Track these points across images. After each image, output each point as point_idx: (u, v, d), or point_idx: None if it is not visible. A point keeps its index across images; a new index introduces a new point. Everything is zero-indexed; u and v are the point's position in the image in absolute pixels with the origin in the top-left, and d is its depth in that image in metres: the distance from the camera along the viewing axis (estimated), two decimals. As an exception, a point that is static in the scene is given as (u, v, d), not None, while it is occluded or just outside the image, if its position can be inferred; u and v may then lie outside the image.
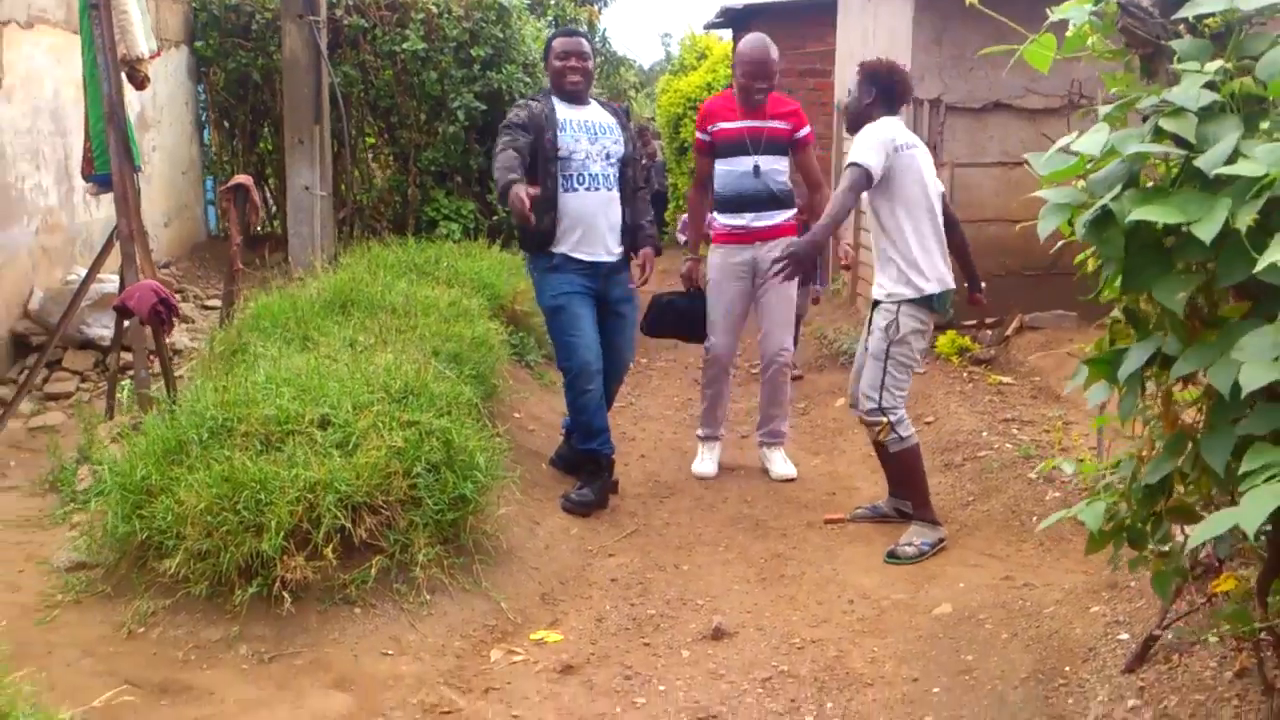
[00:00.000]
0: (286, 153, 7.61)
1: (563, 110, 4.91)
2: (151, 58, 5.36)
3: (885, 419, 4.43)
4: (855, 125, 4.62)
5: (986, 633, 3.55)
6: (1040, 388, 6.36)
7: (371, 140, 9.04)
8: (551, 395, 6.52)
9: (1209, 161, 1.79)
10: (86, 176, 5.36)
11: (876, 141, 4.40)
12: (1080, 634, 3.30)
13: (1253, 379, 1.65)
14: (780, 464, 5.50)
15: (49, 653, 3.36)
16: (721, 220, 5.43)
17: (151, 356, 5.13)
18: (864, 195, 4.47)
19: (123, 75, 5.12)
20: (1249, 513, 1.58)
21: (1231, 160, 1.79)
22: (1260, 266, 1.65)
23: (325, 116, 7.53)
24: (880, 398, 4.43)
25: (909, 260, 4.43)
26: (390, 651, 3.52)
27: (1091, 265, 2.44)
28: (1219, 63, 1.92)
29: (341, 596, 3.65)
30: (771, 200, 5.34)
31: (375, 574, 3.69)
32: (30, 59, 6.19)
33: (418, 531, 3.82)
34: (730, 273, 5.36)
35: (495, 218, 8.57)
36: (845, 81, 7.93)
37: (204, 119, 8.94)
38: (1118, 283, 2.14)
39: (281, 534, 3.53)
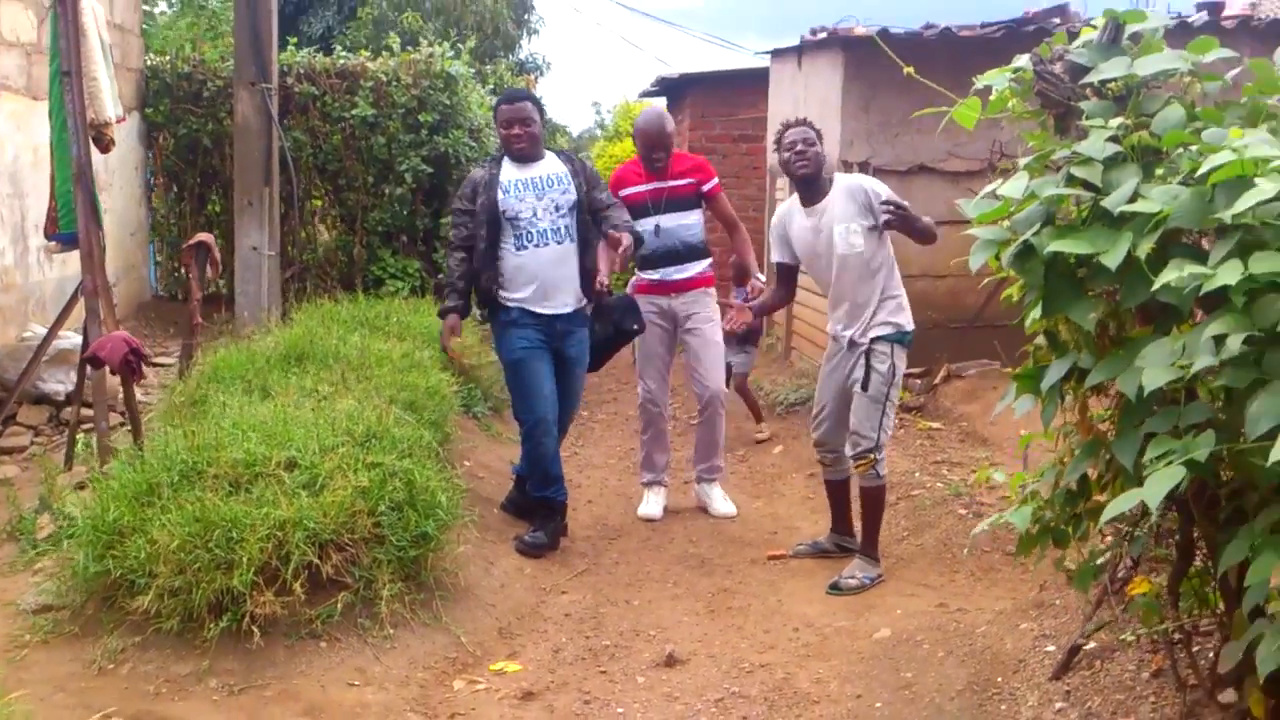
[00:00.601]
0: (236, 214, 7.77)
1: (510, 171, 5.09)
2: (118, 121, 5.53)
3: (872, 456, 4.67)
4: (822, 179, 4.81)
5: (924, 652, 3.79)
6: (968, 432, 6.68)
7: (319, 202, 9.23)
8: (498, 445, 6.72)
9: (1113, 201, 2.08)
10: (49, 236, 5.48)
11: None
12: (1010, 648, 3.55)
13: (1153, 380, 1.93)
14: (720, 501, 5.76)
15: (21, 689, 3.45)
16: (640, 274, 5.76)
17: (117, 408, 5.24)
18: (806, 258, 4.82)
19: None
20: (1151, 490, 1.84)
21: (1132, 200, 2.09)
22: (1156, 286, 1.93)
23: (275, 179, 7.73)
24: (878, 437, 4.67)
25: (901, 294, 4.77)
26: (356, 682, 3.66)
27: (1016, 295, 2.72)
28: (1120, 119, 2.22)
29: (308, 631, 3.79)
30: (681, 254, 5.66)
31: (341, 609, 3.84)
32: (-10, 123, 6.33)
33: (381, 568, 3.98)
34: (651, 319, 5.64)
35: (440, 275, 8.78)
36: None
37: (151, 183, 9.08)
38: (1038, 311, 2.43)
39: (252, 570, 3.67)
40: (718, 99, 12.57)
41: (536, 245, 5.03)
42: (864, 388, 4.68)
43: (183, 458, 4.12)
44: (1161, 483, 1.84)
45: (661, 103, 15.79)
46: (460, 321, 5.27)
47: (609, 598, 4.65)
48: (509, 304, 5.09)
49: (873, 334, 4.70)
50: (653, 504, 5.79)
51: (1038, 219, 2.31)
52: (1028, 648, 3.49)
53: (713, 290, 5.82)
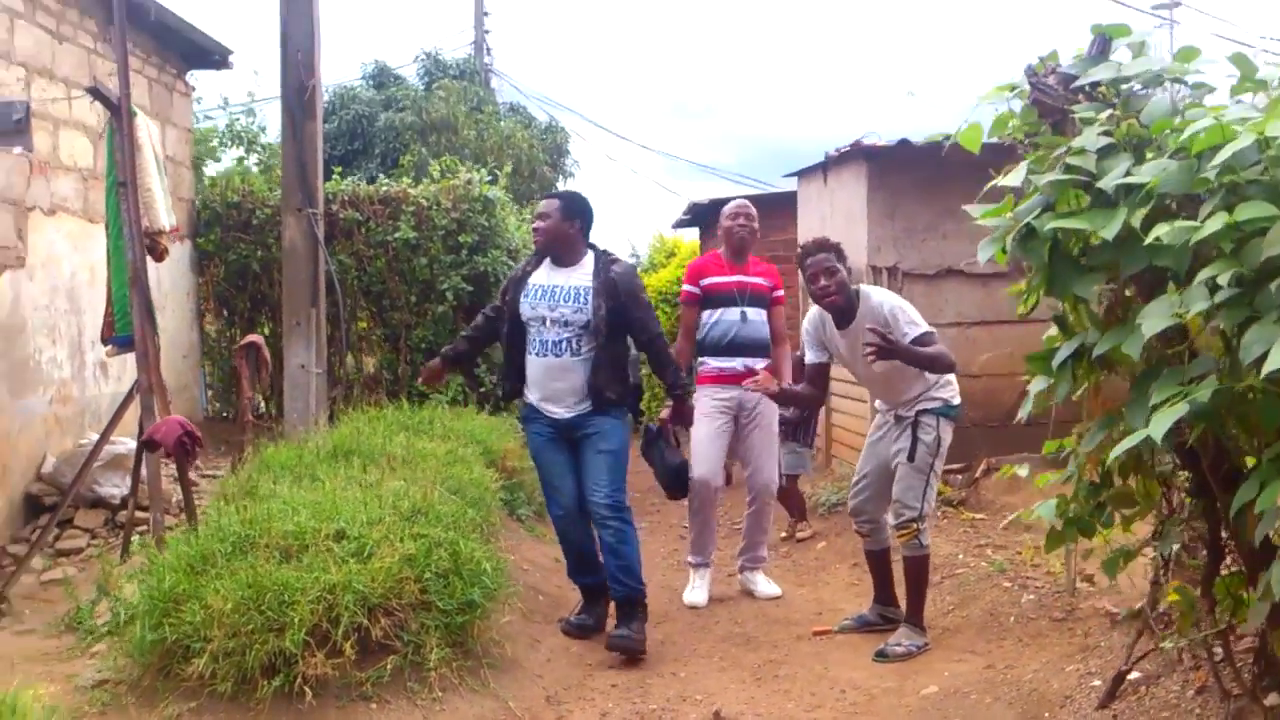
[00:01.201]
0: (285, 334, 8.01)
1: (540, 275, 5.05)
2: (171, 231, 5.83)
3: (915, 525, 4.70)
4: (851, 302, 4.81)
5: (971, 701, 3.78)
6: (1011, 521, 6.65)
7: (364, 324, 9.51)
8: (542, 544, 6.76)
9: (1107, 182, 2.22)
10: (106, 340, 5.73)
11: (907, 304, 4.81)
12: (1057, 688, 3.54)
13: (1152, 326, 2.03)
14: (764, 584, 5.79)
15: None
16: (712, 363, 5.83)
17: (171, 509, 5.38)
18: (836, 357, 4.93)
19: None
20: (1156, 426, 1.93)
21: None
22: (1148, 241, 2.05)
23: (321, 300, 7.99)
24: (922, 507, 4.71)
25: (948, 376, 4.82)
26: (408, 740, 3.69)
27: (1024, 303, 2.83)
28: (1110, 111, 2.38)
29: (359, 693, 3.83)
30: (759, 346, 5.82)
31: (390, 672, 3.89)
32: (51, 243, 6.65)
33: (429, 633, 4.04)
34: (716, 408, 5.72)
35: (482, 389, 8.97)
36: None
37: (202, 308, 9.41)
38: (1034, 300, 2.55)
39: (303, 631, 3.75)
40: (748, 224, 12.84)
41: (537, 354, 5.00)
42: (910, 458, 4.74)
43: (235, 530, 4.25)
44: (1164, 419, 1.93)
45: (694, 232, 16.22)
46: (442, 367, 5.38)
47: (656, 670, 4.65)
48: (528, 400, 5.13)
49: (919, 408, 4.79)
50: (698, 590, 5.79)
51: (1039, 206, 2.45)
52: (1074, 685, 3.48)
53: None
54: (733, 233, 5.94)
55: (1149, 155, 2.28)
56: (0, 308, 6.06)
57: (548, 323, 4.94)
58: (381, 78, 21.27)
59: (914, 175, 8.19)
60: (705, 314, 5.86)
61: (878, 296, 4.82)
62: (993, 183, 2.78)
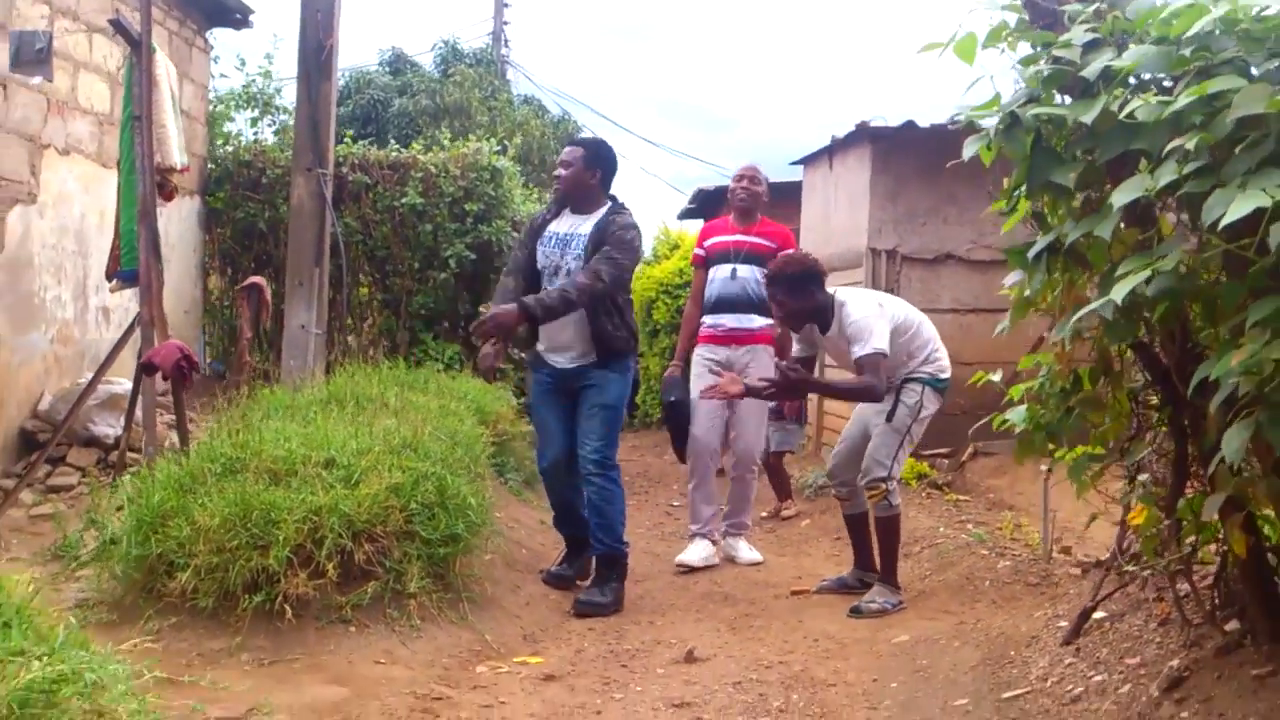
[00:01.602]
0: (286, 294, 8.05)
1: (558, 222, 5.09)
2: (182, 170, 5.90)
3: (884, 485, 4.76)
4: (810, 319, 4.87)
5: (940, 645, 3.85)
6: (994, 501, 6.72)
7: (365, 290, 9.58)
8: (529, 508, 6.82)
9: (1090, 71, 2.31)
10: (111, 275, 5.79)
11: (880, 323, 4.73)
12: (1025, 630, 3.61)
13: (1121, 198, 2.12)
14: (746, 550, 5.84)
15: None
16: (706, 321, 5.91)
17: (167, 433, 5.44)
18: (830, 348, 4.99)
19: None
20: (1118, 290, 2.03)
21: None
22: (1123, 114, 2.13)
23: (325, 261, 8.04)
24: (891, 466, 4.78)
25: (933, 358, 4.92)
26: (383, 661, 3.76)
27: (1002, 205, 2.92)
28: (1097, 5, 2.46)
29: (339, 615, 3.89)
30: (748, 304, 5.81)
31: (370, 597, 3.95)
32: (64, 182, 6.72)
33: (411, 563, 4.10)
34: (707, 368, 5.78)
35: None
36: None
37: (207, 265, 9.48)
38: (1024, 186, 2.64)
39: (287, 549, 3.82)
40: (752, 214, 12.93)
41: None
42: (889, 419, 4.82)
43: (225, 452, 4.31)
44: (1127, 284, 2.01)
45: (699, 223, 16.33)
46: (516, 317, 4.77)
47: (633, 619, 4.71)
48: (536, 348, 5.16)
49: (905, 376, 4.89)
50: (692, 551, 5.78)
51: (1024, 97, 2.53)
52: (1041, 626, 3.55)
53: (772, 350, 5.83)
54: (735, 194, 6.02)
55: (1133, 47, 2.35)
56: (9, 241, 6.13)
57: (559, 271, 4.96)
58: (398, 64, 21.39)
59: (918, 160, 8.25)
60: (709, 272, 5.93)
61: (849, 309, 4.78)
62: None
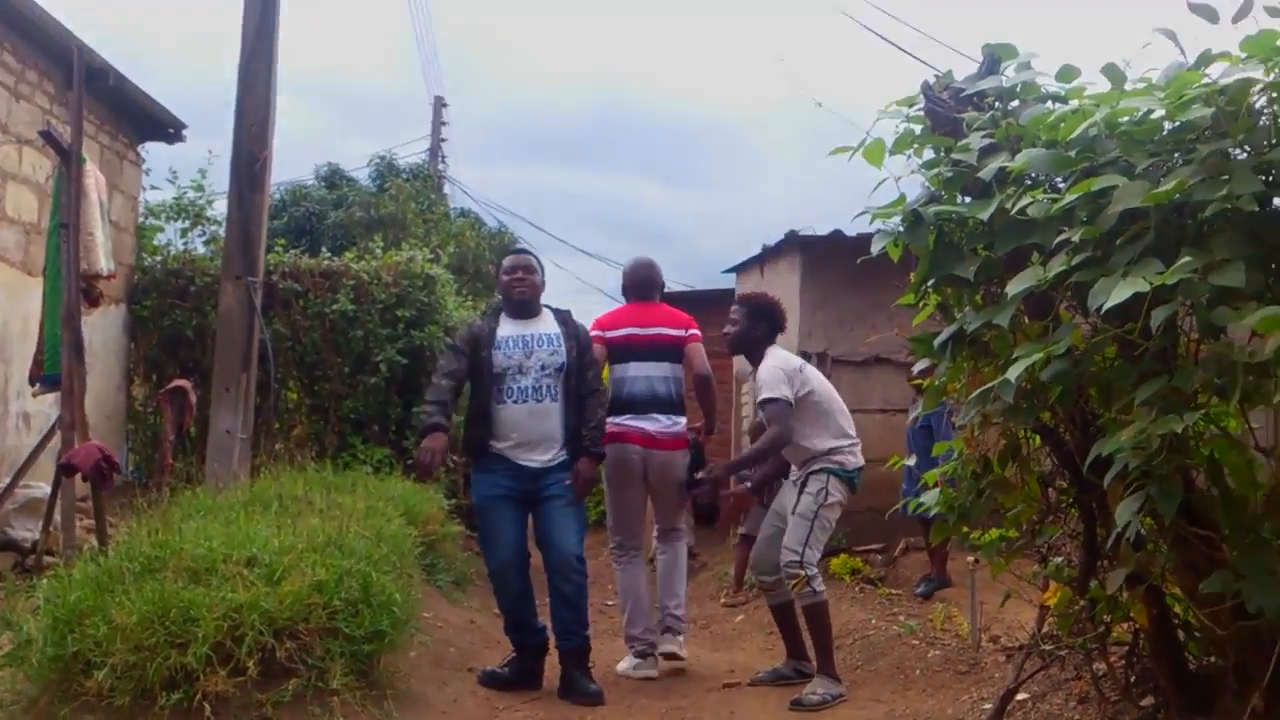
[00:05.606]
0: (213, 400, 7.99)
1: (506, 327, 5.20)
2: (109, 277, 5.89)
3: (803, 573, 4.80)
4: (740, 350, 5.35)
5: (870, 731, 3.83)
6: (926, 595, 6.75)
7: (294, 395, 9.51)
8: (459, 609, 6.73)
9: (987, 172, 2.44)
10: (34, 379, 5.73)
11: (781, 374, 5.00)
12: (951, 714, 3.65)
13: (1016, 286, 2.22)
14: (678, 648, 5.66)
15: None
16: (617, 419, 5.69)
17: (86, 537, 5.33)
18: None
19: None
20: (1012, 370, 2.10)
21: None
22: (1014, 210, 2.24)
23: (253, 367, 8.01)
24: (804, 553, 4.83)
25: (838, 453, 5.02)
26: (304, 762, 3.66)
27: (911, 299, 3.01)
28: (991, 114, 2.60)
29: (259, 713, 3.80)
30: (655, 403, 5.64)
31: (292, 694, 3.86)
32: (-15, 291, 6.68)
33: (335, 659, 4.02)
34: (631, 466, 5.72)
35: (408, 461, 8.95)
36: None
37: (131, 372, 9.37)
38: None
39: (206, 646, 3.74)
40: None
41: (516, 401, 5.07)
42: (794, 509, 4.96)
43: (144, 551, 4.24)
44: (1019, 366, 2.10)
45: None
46: (445, 442, 5.05)
47: (563, 714, 4.65)
48: (493, 450, 5.12)
49: (811, 469, 5.02)
50: (631, 663, 5.51)
51: (925, 198, 2.65)
52: (967, 710, 3.57)
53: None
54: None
55: (1025, 150, 2.49)
56: (-73, 347, 6.06)
57: (524, 369, 5.08)
58: (334, 178, 21.52)
59: (846, 266, 8.43)
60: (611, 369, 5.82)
61: (770, 359, 5.13)
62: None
